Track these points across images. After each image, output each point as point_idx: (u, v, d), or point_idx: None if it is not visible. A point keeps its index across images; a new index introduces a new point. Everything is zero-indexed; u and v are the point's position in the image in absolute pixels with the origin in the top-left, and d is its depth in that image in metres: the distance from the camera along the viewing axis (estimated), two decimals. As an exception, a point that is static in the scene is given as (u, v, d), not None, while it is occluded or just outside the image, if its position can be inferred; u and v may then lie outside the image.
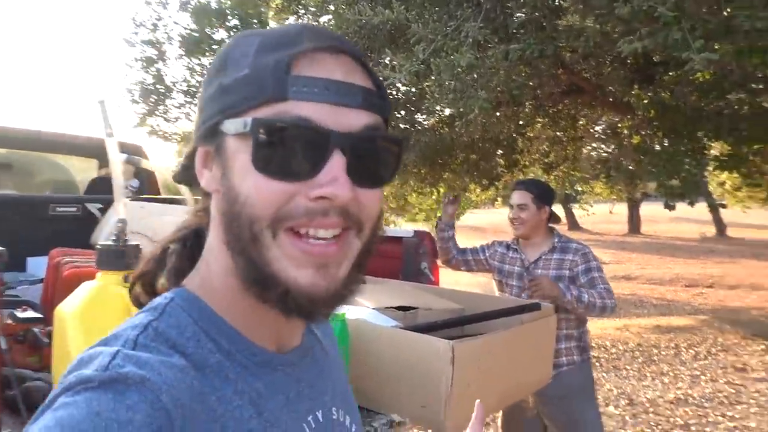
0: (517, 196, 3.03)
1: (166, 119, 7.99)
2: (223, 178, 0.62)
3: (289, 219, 0.59)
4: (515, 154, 7.39)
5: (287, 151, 0.58)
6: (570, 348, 2.98)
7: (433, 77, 3.28)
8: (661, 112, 4.47)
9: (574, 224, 29.12)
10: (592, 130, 7.61)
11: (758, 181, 6.06)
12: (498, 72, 3.27)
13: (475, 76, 3.17)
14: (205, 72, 6.80)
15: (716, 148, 5.13)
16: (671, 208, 4.66)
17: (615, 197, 13.62)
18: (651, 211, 26.95)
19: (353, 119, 0.59)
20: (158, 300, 0.65)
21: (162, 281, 0.73)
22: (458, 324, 2.61)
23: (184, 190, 1.99)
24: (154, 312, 0.62)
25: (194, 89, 7.09)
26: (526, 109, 6.13)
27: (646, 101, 4.63)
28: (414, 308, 2.66)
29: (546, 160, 7.82)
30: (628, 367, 6.50)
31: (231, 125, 0.60)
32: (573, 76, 6.11)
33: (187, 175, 0.71)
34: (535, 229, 3.00)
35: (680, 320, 9.06)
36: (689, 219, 31.25)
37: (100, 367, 0.53)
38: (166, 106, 7.90)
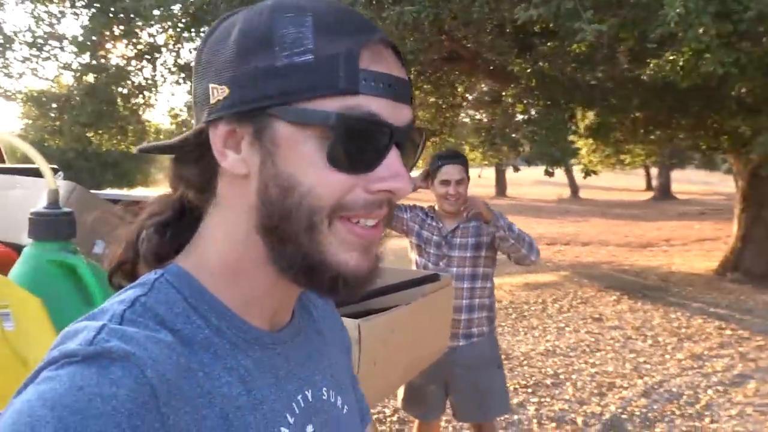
0: (455, 171, 2.91)
1: (7, 75, 6.92)
2: (266, 164, 0.60)
3: (347, 210, 0.60)
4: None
5: (357, 146, 0.58)
6: (482, 318, 3.00)
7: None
8: (541, 81, 4.69)
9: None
10: (470, 98, 7.82)
11: (622, 148, 6.63)
12: (392, 35, 3.16)
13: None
14: (171, 29, 5.92)
15: (587, 118, 5.53)
16: (551, 174, 4.92)
17: (486, 162, 14.30)
18: (515, 174, 28.78)
19: (404, 115, 0.62)
20: (148, 275, 0.64)
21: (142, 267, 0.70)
22: (360, 300, 2.54)
23: (38, 159, 1.71)
24: (143, 287, 0.62)
25: (41, 41, 6.16)
26: (411, 75, 6.14)
27: (528, 70, 4.82)
28: (313, 285, 2.53)
29: (429, 127, 7.94)
30: (503, 324, 6.91)
31: (293, 113, 0.58)
32: (453, 43, 6.19)
33: (182, 150, 0.67)
34: (464, 202, 2.96)
35: (545, 277, 9.81)
36: (548, 182, 34.06)
37: (85, 342, 0.52)
38: (7, 59, 6.84)
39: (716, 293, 8.49)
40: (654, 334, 6.53)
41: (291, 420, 0.66)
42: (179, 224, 0.69)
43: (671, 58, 2.81)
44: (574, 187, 27.39)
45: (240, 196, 0.63)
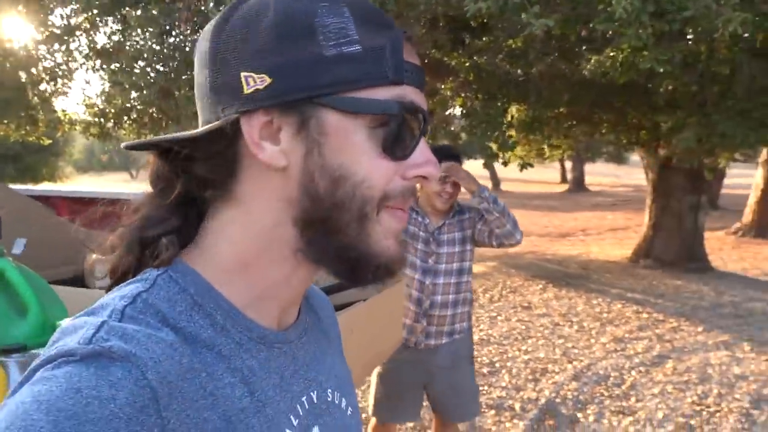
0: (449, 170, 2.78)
1: None
2: (312, 155, 0.58)
3: (391, 198, 0.61)
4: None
5: (403, 134, 0.60)
6: (464, 313, 2.92)
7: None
8: (477, 75, 4.76)
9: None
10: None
11: (557, 142, 6.86)
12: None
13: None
14: (88, 10, 5.37)
15: (521, 112, 5.69)
16: (489, 167, 4.99)
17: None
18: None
19: (424, 102, 0.63)
20: (150, 271, 0.61)
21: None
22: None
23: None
24: (145, 282, 0.60)
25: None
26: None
27: (467, 64, 4.89)
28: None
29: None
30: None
31: (348, 103, 0.57)
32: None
33: (194, 145, 0.62)
34: None
35: (475, 267, 10.06)
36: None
37: (84, 340, 0.51)
38: None
39: (632, 279, 9.04)
40: (579, 320, 6.85)
41: (295, 422, 0.65)
42: (186, 226, 0.66)
43: (611, 54, 2.94)
44: (496, 180, 28.29)
45: (271, 190, 0.61)
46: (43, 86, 6.06)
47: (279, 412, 0.63)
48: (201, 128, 0.61)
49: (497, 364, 5.42)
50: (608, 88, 5.11)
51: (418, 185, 0.64)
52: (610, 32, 2.63)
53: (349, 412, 0.76)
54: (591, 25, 2.67)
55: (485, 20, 4.36)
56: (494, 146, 4.56)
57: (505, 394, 4.74)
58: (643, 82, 3.95)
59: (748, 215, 13.59)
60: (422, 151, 0.62)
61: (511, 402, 4.58)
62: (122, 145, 0.66)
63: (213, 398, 0.56)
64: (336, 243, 0.60)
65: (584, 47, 4.31)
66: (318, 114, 0.58)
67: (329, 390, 0.73)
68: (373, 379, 2.94)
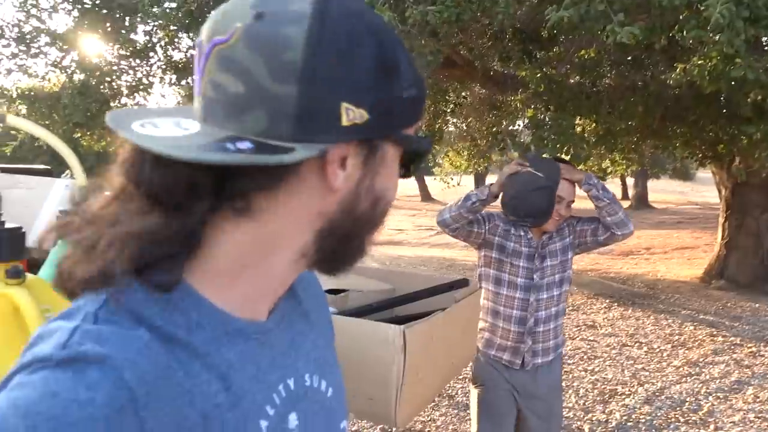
0: (571, 190, 2.58)
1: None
2: (366, 179, 0.62)
3: None
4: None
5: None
6: (562, 324, 2.74)
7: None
8: (548, 87, 4.69)
9: (426, 196, 30.50)
10: (465, 104, 7.80)
11: (624, 157, 6.65)
12: (415, 35, 3.09)
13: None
14: (167, 27, 5.62)
15: (590, 124, 5.55)
16: None
17: (472, 170, 14.34)
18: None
19: None
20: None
21: None
22: (392, 306, 2.46)
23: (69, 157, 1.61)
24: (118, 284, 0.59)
25: (30, 37, 5.92)
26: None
27: (538, 75, 4.83)
28: (344, 290, 2.45)
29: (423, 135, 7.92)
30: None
31: (405, 139, 0.63)
32: (448, 48, 6.18)
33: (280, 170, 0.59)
34: None
35: (534, 284, 9.84)
36: (526, 190, 34.32)
37: (58, 345, 0.51)
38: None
39: (704, 300, 8.60)
40: (648, 341, 6.56)
41: (271, 412, 0.65)
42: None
43: (699, 63, 2.82)
44: (554, 196, 27.61)
45: (311, 206, 0.61)
46: (123, 100, 6.39)
47: (254, 404, 0.63)
48: (297, 154, 0.54)
49: (563, 384, 5.26)
50: (682, 99, 4.92)
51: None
52: (701, 40, 2.53)
53: (329, 394, 0.76)
54: (683, 33, 2.57)
55: (555, 31, 4.29)
56: (566, 158, 4.45)
57: (572, 414, 4.58)
58: (725, 93, 3.78)
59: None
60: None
61: (579, 424, 4.42)
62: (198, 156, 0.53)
63: (190, 396, 0.56)
64: (348, 250, 0.66)
65: (659, 57, 4.17)
66: (382, 146, 0.62)
67: (307, 375, 0.72)
68: (474, 406, 2.70)
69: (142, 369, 0.52)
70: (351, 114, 0.57)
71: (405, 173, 0.68)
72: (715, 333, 6.89)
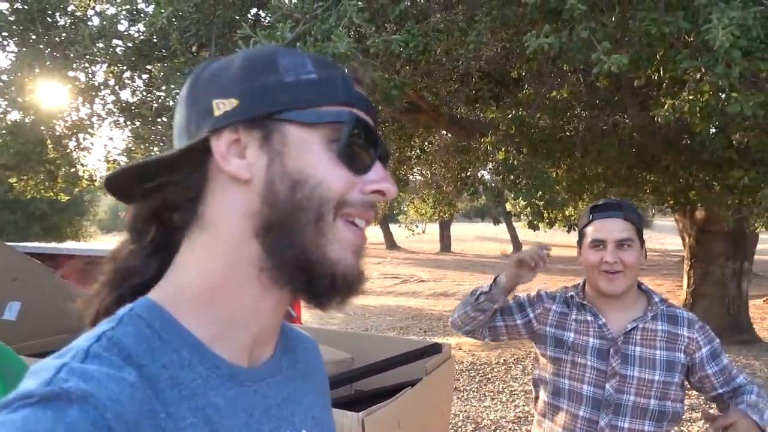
0: (615, 227, 1.85)
1: None
2: (274, 164, 0.65)
3: (349, 206, 0.66)
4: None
5: (359, 146, 0.68)
6: None
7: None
8: (519, 129, 4.49)
9: (391, 244, 30.27)
10: (430, 148, 7.63)
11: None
12: (375, 65, 2.82)
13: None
14: (113, 65, 5.48)
15: (564, 168, 5.39)
16: (536, 227, 4.65)
17: (437, 217, 14.21)
18: (458, 230, 28.87)
19: (375, 125, 0.73)
20: (121, 310, 0.64)
21: None
22: (351, 380, 2.04)
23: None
24: (112, 321, 0.61)
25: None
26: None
27: (510, 116, 4.64)
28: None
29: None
30: (468, 388, 6.46)
31: (307, 115, 0.66)
32: (413, 93, 6.00)
33: (167, 168, 0.67)
34: (634, 282, 1.88)
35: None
36: (489, 238, 34.53)
37: (43, 382, 0.51)
38: None
39: (675, 351, 8.39)
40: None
41: None
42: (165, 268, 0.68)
43: (690, 98, 2.61)
44: (517, 243, 27.80)
45: (236, 205, 0.65)
46: (65, 141, 5.93)
47: None
48: (175, 149, 0.66)
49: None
50: (653, 145, 4.80)
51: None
52: (695, 71, 2.34)
53: None
54: (673, 63, 2.38)
55: (525, 72, 4.12)
56: (540, 204, 4.20)
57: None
58: (706, 136, 3.64)
59: (789, 283, 12.88)
60: (377, 170, 0.69)
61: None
62: (101, 178, 0.48)
63: None
64: (294, 248, 0.64)
65: (631, 100, 4.04)
66: (280, 128, 0.65)
67: (304, 431, 0.73)
68: None
69: (123, 409, 0.52)
70: (221, 105, 0.66)
71: (350, 162, 0.67)
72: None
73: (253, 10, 4.57)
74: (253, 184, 0.64)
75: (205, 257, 0.65)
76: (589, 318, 1.88)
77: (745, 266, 9.22)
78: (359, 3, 2.48)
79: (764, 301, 12.98)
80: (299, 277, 0.64)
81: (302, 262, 0.63)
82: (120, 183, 0.67)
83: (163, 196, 0.67)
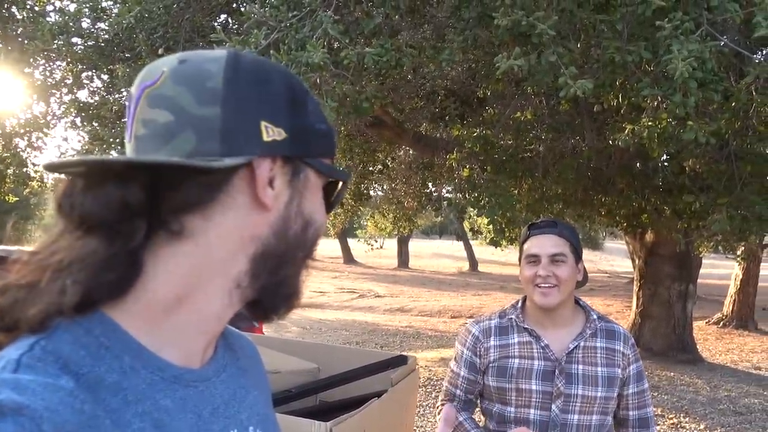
0: (549, 242, 1.89)
1: None
2: (293, 202, 0.69)
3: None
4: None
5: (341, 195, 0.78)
6: None
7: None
8: (483, 147, 4.60)
9: (349, 258, 30.15)
10: (392, 164, 7.68)
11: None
12: (347, 77, 2.84)
13: (318, 80, 2.71)
14: (73, 63, 5.21)
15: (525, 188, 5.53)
16: (497, 244, 4.73)
17: (397, 233, 14.28)
18: (416, 247, 29.03)
19: None
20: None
21: None
22: (317, 391, 2.01)
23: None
24: (44, 329, 0.58)
25: None
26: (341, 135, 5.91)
27: (474, 134, 4.74)
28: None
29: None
30: (425, 404, 6.47)
31: (322, 165, 0.71)
32: (379, 108, 6.05)
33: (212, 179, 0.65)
34: (570, 297, 1.90)
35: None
36: (446, 255, 34.85)
37: None
38: None
39: (623, 369, 8.63)
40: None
41: None
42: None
43: (649, 124, 2.75)
44: (473, 261, 28.15)
45: (245, 228, 0.66)
46: (16, 140, 5.70)
47: None
48: (226, 161, 0.61)
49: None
50: (608, 168, 4.99)
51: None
52: (654, 99, 2.47)
53: None
54: (634, 90, 2.50)
55: (490, 93, 4.23)
56: (503, 221, 4.29)
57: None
58: (658, 162, 3.83)
59: (728, 305, 13.49)
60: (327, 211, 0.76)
61: None
62: (78, 157, 0.61)
63: None
64: (278, 276, 0.68)
65: (590, 124, 4.22)
66: (305, 170, 0.69)
67: (251, 428, 0.73)
68: None
69: (62, 419, 0.50)
70: (270, 131, 0.65)
71: (327, 206, 0.74)
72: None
73: (223, 16, 4.55)
74: (270, 214, 0.66)
75: (181, 265, 0.63)
76: (529, 338, 1.89)
77: (690, 289, 9.61)
78: (334, 15, 2.51)
79: (706, 323, 13.54)
80: (267, 300, 0.69)
81: (279, 288, 0.69)
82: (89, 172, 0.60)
83: (158, 200, 0.63)
